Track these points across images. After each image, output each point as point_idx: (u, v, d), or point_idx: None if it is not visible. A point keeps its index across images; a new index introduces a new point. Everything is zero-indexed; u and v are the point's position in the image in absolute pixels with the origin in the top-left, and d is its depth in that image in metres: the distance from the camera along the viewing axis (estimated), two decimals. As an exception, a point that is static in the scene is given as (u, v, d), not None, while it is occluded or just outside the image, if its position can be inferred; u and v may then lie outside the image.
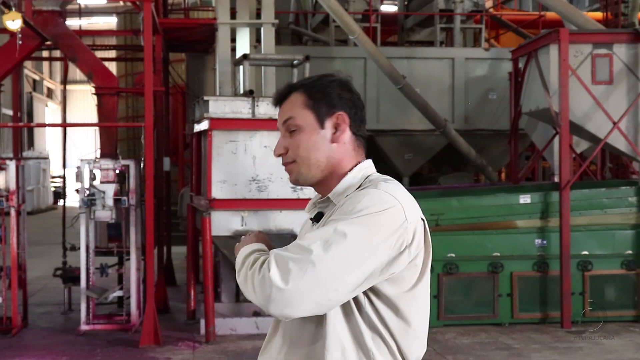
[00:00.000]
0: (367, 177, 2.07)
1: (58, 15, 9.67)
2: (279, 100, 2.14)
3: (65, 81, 12.12)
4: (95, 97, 9.36)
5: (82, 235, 8.57)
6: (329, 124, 2.07)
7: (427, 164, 14.43)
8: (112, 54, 19.48)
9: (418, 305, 2.01)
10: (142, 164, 8.98)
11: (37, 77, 33.38)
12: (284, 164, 2.12)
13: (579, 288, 8.87)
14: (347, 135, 2.08)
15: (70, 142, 11.40)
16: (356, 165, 2.09)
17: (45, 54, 18.91)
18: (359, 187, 2.04)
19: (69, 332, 8.60)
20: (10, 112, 18.52)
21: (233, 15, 10.40)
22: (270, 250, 1.94)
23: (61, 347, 8.02)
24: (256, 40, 10.94)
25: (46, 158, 28.30)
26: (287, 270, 1.83)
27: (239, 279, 1.97)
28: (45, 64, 35.31)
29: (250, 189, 8.00)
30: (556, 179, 10.47)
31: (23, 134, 15.52)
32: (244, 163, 8.00)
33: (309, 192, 7.55)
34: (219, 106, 8.02)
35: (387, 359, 1.98)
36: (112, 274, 9.16)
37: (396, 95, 11.65)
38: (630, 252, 8.96)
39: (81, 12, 15.05)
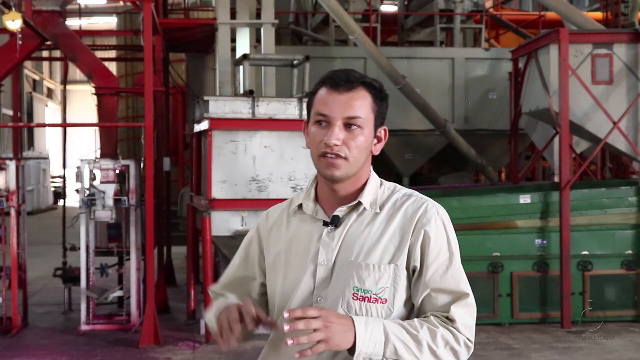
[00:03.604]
0: (381, 183, 2.17)
1: (58, 15, 9.67)
2: (347, 87, 2.06)
3: (65, 81, 12.13)
4: (95, 97, 9.36)
5: (82, 235, 8.57)
6: (377, 134, 2.13)
7: (427, 164, 14.42)
8: (112, 54, 19.47)
9: None
10: (142, 164, 8.98)
11: (37, 77, 33.36)
12: (329, 154, 2.04)
13: (579, 288, 8.87)
14: None
15: (70, 142, 11.41)
16: (370, 172, 2.17)
17: (45, 54, 18.90)
18: (383, 192, 2.15)
19: (69, 332, 8.60)
20: (10, 112, 18.51)
21: (233, 15, 10.40)
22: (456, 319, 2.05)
23: (61, 347, 8.03)
24: (256, 40, 10.94)
25: (46, 158, 28.27)
26: (471, 327, 2.08)
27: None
28: (45, 64, 35.27)
29: (250, 189, 8.00)
30: (556, 179, 10.47)
31: (23, 134, 15.52)
32: (244, 163, 8.00)
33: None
34: (219, 106, 8.02)
35: None
36: (112, 274, 9.16)
37: (396, 95, 11.65)
38: (630, 252, 8.96)
39: (81, 12, 15.09)
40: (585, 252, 8.91)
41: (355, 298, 2.03)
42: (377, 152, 2.13)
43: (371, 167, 2.18)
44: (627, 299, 8.98)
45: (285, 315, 1.90)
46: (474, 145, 12.17)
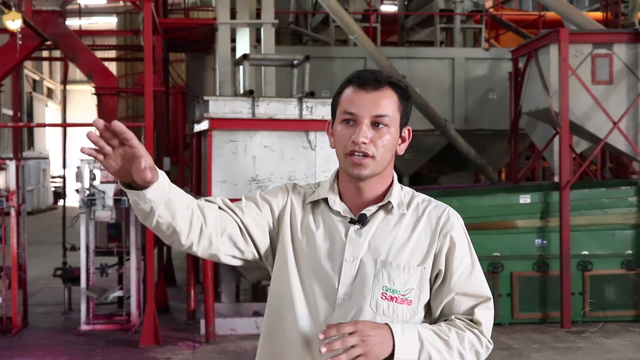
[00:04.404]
0: (401, 187, 2.20)
1: (58, 15, 9.69)
2: (374, 86, 2.06)
3: (65, 81, 12.14)
4: (95, 97, 9.37)
5: (82, 235, 8.57)
6: (401, 134, 2.14)
7: (427, 164, 14.42)
8: (112, 54, 19.49)
9: None
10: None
11: (37, 77, 33.38)
12: (357, 153, 2.04)
13: (579, 288, 8.87)
14: None
15: (70, 142, 11.40)
16: (393, 174, 2.20)
17: (45, 54, 18.92)
18: (404, 196, 2.18)
19: (69, 332, 8.60)
20: (10, 112, 18.52)
21: (233, 15, 10.40)
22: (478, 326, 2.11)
23: (61, 347, 8.03)
24: (256, 40, 10.94)
25: (46, 158, 28.26)
26: (490, 328, 2.15)
27: None
28: (45, 64, 35.28)
29: (250, 189, 7.99)
30: (556, 179, 10.47)
31: (23, 134, 15.52)
32: (244, 163, 8.00)
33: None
34: (219, 106, 8.02)
35: None
36: (112, 274, 9.16)
37: (396, 95, 11.63)
38: (630, 252, 8.96)
39: (81, 12, 15.09)
40: (585, 252, 8.91)
41: (384, 297, 2.04)
42: (401, 151, 2.14)
43: (394, 171, 2.19)
44: (627, 299, 8.98)
45: (321, 337, 1.90)
46: (474, 145, 12.17)
